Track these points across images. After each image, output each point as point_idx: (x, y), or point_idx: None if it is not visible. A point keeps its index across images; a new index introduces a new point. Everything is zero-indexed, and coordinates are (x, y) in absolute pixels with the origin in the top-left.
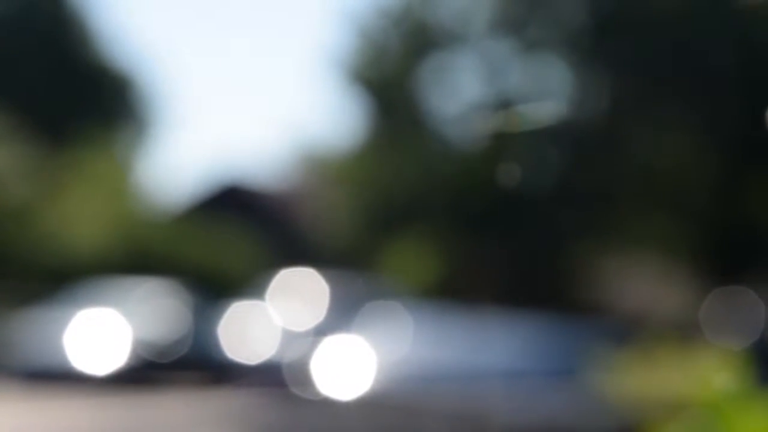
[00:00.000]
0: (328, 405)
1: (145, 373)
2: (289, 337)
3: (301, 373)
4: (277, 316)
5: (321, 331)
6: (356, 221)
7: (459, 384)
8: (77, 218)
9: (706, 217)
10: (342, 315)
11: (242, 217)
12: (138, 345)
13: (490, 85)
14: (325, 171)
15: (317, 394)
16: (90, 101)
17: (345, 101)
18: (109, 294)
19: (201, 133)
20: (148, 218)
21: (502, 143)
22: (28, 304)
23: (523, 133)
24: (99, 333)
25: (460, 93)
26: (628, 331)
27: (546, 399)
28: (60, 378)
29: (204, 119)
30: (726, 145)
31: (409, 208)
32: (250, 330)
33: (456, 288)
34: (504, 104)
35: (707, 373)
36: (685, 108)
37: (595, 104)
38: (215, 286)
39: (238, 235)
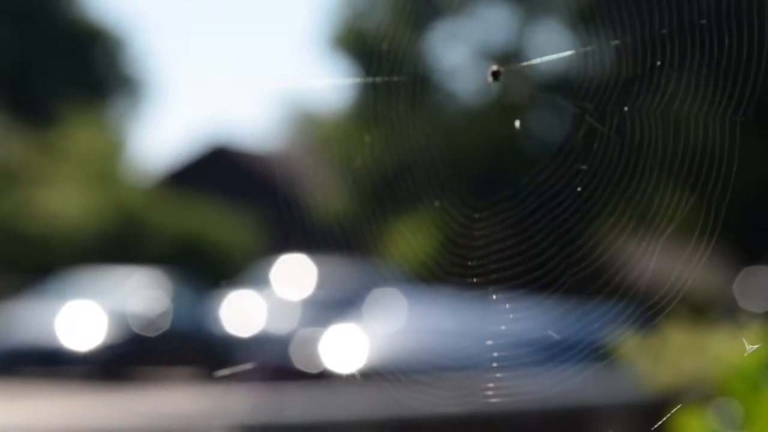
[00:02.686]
0: (327, 378)
1: (134, 351)
2: (284, 313)
3: (298, 347)
4: (272, 303)
5: (318, 313)
6: (351, 187)
7: (460, 365)
8: (63, 190)
9: (729, 191)
10: (340, 302)
11: (230, 178)
12: (126, 324)
13: (490, 40)
14: (317, 132)
15: (315, 367)
16: (75, 62)
17: (335, 60)
18: (94, 285)
19: (188, 95)
20: (136, 186)
21: (506, 104)
22: (12, 295)
23: (529, 92)
24: (85, 324)
25: (460, 47)
26: (649, 314)
27: (555, 379)
28: (46, 360)
29: (191, 82)
30: (751, 114)
31: (408, 171)
32: (244, 316)
33: (462, 268)
34: (504, 61)
35: (732, 354)
36: (704, 72)
37: (603, 65)
38: (205, 265)
39: (226, 199)
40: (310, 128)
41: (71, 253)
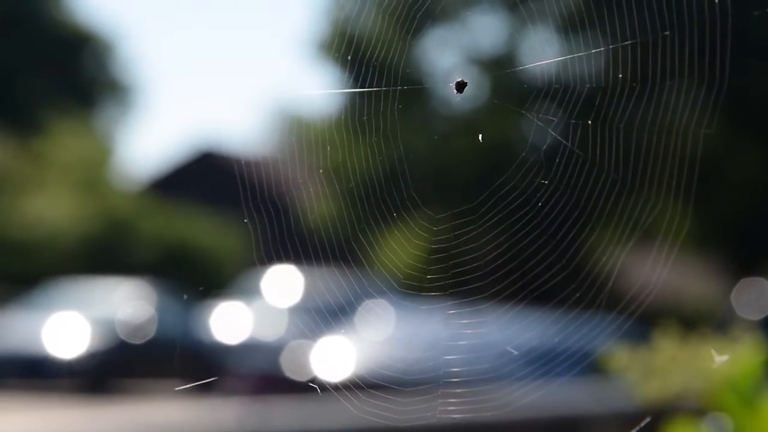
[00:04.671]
0: (314, 386)
1: (120, 359)
2: (273, 323)
3: (287, 356)
4: (261, 313)
5: (308, 323)
6: (341, 195)
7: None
8: (50, 198)
9: (726, 203)
10: (330, 312)
11: (218, 182)
12: (112, 332)
13: (481, 48)
14: (306, 137)
15: (303, 375)
16: (63, 67)
17: (325, 64)
18: (81, 296)
19: (176, 100)
20: (124, 193)
21: (496, 110)
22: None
23: (519, 99)
24: (70, 334)
25: (452, 53)
26: (645, 327)
27: (550, 392)
28: (31, 371)
29: (179, 86)
30: (753, 125)
31: (397, 179)
32: (233, 325)
33: (454, 280)
34: (494, 66)
35: (724, 366)
36: (699, 81)
37: (596, 73)
38: (193, 274)
39: (214, 205)
40: (299, 133)
41: (58, 262)
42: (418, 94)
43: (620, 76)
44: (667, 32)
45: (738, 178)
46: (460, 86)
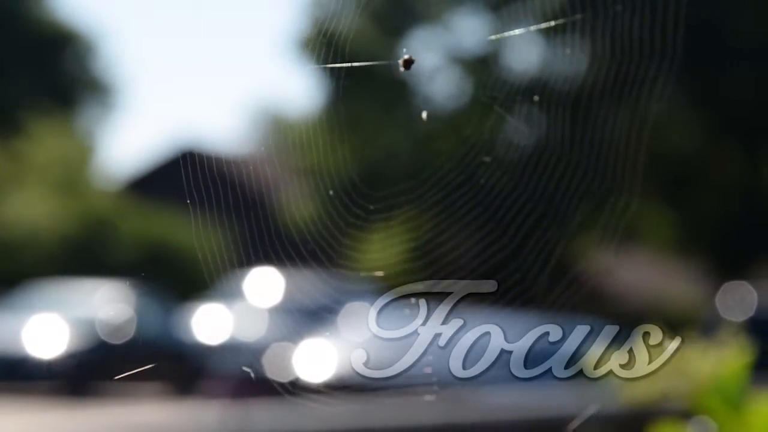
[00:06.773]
0: (297, 387)
1: (100, 359)
2: (254, 325)
3: (267, 356)
4: (242, 316)
5: (289, 326)
6: (322, 195)
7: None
8: (30, 199)
9: (708, 206)
10: (311, 315)
11: (199, 182)
12: (92, 333)
13: (464, 47)
14: (287, 136)
15: (284, 376)
16: (43, 65)
17: (306, 63)
18: (60, 298)
19: (158, 99)
20: (105, 193)
21: (481, 108)
22: None
23: (502, 98)
24: (50, 336)
25: (435, 53)
26: (626, 329)
27: (529, 394)
28: (10, 372)
29: (161, 85)
30: (735, 127)
31: (379, 177)
32: (214, 328)
33: (434, 277)
34: (477, 64)
35: (709, 369)
36: (684, 83)
37: (578, 73)
38: (174, 276)
39: (194, 205)
40: (281, 133)
41: (38, 263)
42: (400, 91)
43: (599, 54)
44: (619, 6)
45: (721, 181)
46: (407, 63)
